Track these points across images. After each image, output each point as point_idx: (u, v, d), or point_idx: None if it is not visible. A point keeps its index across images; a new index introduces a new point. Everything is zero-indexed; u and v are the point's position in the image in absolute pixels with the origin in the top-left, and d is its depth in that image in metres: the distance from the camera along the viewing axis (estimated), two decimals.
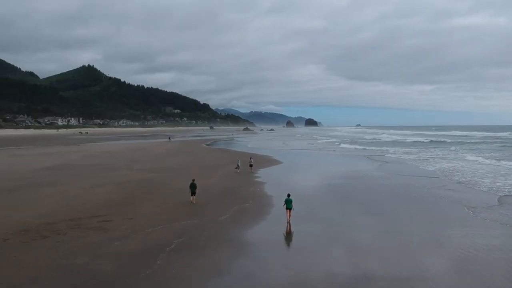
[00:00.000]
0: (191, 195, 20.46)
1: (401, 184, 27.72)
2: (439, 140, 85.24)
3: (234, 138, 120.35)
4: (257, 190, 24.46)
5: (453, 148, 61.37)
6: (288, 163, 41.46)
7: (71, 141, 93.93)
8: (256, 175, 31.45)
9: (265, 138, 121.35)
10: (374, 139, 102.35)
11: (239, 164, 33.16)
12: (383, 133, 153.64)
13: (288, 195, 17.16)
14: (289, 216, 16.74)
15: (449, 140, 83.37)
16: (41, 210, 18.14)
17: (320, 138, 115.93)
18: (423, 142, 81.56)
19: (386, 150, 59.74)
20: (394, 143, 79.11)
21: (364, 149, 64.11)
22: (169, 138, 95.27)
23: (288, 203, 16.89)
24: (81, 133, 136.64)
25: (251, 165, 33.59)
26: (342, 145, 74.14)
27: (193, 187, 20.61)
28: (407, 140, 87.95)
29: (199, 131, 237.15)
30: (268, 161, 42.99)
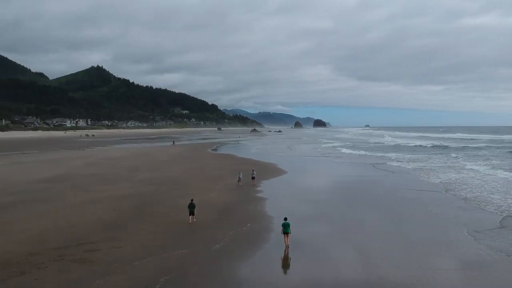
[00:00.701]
0: (190, 215, 19.89)
1: (401, 200, 26.41)
2: (442, 144, 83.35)
3: (240, 141, 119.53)
4: (257, 209, 23.38)
5: (454, 155, 59.35)
6: (291, 174, 40.32)
7: (77, 144, 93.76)
8: (258, 189, 30.39)
9: (271, 141, 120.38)
10: (377, 143, 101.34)
11: (240, 177, 32.15)
12: (388, 136, 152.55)
13: (285, 219, 16.70)
14: (287, 240, 16.17)
15: (452, 145, 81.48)
16: (27, 235, 17.27)
17: (325, 141, 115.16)
18: (426, 147, 79.94)
19: (388, 157, 58.31)
20: (397, 148, 77.78)
21: (366, 155, 62.92)
22: (173, 142, 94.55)
23: (286, 228, 16.34)
24: (88, 135, 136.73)
25: (253, 178, 32.56)
26: (344, 150, 73.08)
27: (192, 207, 20.17)
28: (410, 145, 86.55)
29: (207, 133, 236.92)
30: (271, 171, 41.91)
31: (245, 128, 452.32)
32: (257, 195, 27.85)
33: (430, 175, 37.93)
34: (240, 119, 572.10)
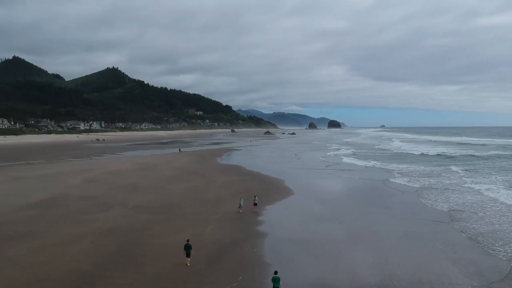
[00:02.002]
0: (186, 257, 19.00)
1: (398, 236, 23.65)
2: (447, 154, 78.96)
3: (251, 146, 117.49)
4: (254, 251, 20.97)
5: (455, 168, 55.67)
6: (297, 195, 37.80)
7: (85, 151, 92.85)
8: (260, 218, 28.02)
9: (281, 147, 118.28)
10: (384, 150, 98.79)
11: (241, 204, 29.83)
12: (396, 140, 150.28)
13: (275, 272, 15.72)
14: None
15: (458, 153, 77.51)
16: None
17: (333, 147, 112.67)
18: (431, 156, 76.70)
19: (391, 170, 55.78)
20: (401, 158, 74.89)
21: (369, 167, 60.39)
22: (179, 149, 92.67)
23: (276, 282, 15.43)
24: (98, 140, 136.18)
25: (255, 204, 30.23)
26: (348, 160, 70.69)
27: (188, 248, 19.14)
28: (414, 153, 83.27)
29: (220, 135, 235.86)
30: (277, 190, 39.56)
31: (259, 129, 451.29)
32: (257, 228, 25.47)
33: (436, 197, 35.75)
34: (254, 120, 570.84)
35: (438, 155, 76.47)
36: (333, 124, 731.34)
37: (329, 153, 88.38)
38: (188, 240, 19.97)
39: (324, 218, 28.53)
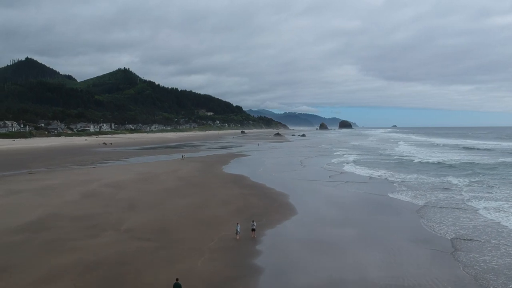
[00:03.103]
0: None
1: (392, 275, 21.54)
2: (449, 163, 75.09)
3: (258, 151, 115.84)
4: None
5: (455, 181, 52.79)
6: (300, 215, 35.90)
7: (91, 157, 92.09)
8: (257, 247, 26.14)
9: (289, 152, 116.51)
10: (388, 156, 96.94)
11: (238, 230, 27.98)
12: (403, 144, 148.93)
13: (177, 280, 15.81)
14: None
15: (458, 163, 74.06)
16: None
17: (338, 152, 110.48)
18: (431, 164, 74.12)
19: (392, 181, 54.29)
20: (402, 166, 72.72)
21: (370, 177, 58.88)
22: (183, 156, 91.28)
23: None
24: (105, 144, 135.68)
25: (253, 230, 28.42)
26: (350, 169, 69.01)
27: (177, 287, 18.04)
28: (415, 160, 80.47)
29: (229, 138, 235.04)
30: (280, 207, 37.72)
31: (269, 130, 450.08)
32: (253, 261, 23.58)
33: (437, 217, 34.19)
34: (264, 120, 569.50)
35: (439, 164, 72.86)
36: (344, 124, 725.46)
37: (334, 160, 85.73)
38: (177, 279, 18.52)
39: (324, 247, 26.53)
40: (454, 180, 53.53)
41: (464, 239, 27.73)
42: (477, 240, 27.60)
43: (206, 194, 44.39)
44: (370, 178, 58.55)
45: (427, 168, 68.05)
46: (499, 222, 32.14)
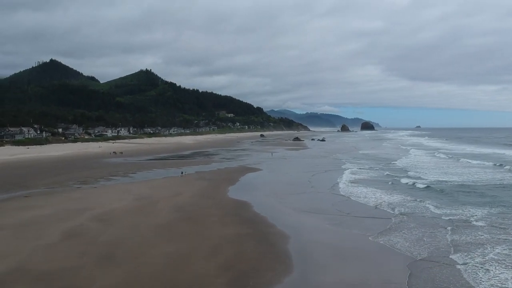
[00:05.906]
0: None
1: None
2: (439, 188, 63.61)
3: (269, 163, 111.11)
4: None
5: (442, 223, 42.57)
6: (296, 274, 31.25)
7: (97, 172, 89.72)
8: None
9: (302, 163, 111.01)
10: (392, 170, 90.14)
11: None
12: (414, 152, 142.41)
13: None
14: None
15: (460, 181, 66.84)
16: None
17: (346, 166, 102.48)
18: (420, 190, 63.68)
19: (386, 211, 49.36)
20: (396, 189, 64.78)
21: (364, 205, 52.47)
22: (182, 173, 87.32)
23: None
24: (115, 153, 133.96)
25: None
26: (353, 190, 64.16)
27: None
28: (409, 182, 70.62)
29: (247, 143, 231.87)
30: (275, 260, 32.98)
31: (290, 132, 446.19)
32: None
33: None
34: (285, 122, 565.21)
35: (428, 187, 63.68)
36: (366, 126, 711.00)
37: (340, 179, 77.37)
38: None
39: None
40: (442, 223, 41.99)
41: None
42: None
43: (197, 238, 40.05)
44: (370, 209, 51.55)
45: (428, 194, 58.50)
46: None
